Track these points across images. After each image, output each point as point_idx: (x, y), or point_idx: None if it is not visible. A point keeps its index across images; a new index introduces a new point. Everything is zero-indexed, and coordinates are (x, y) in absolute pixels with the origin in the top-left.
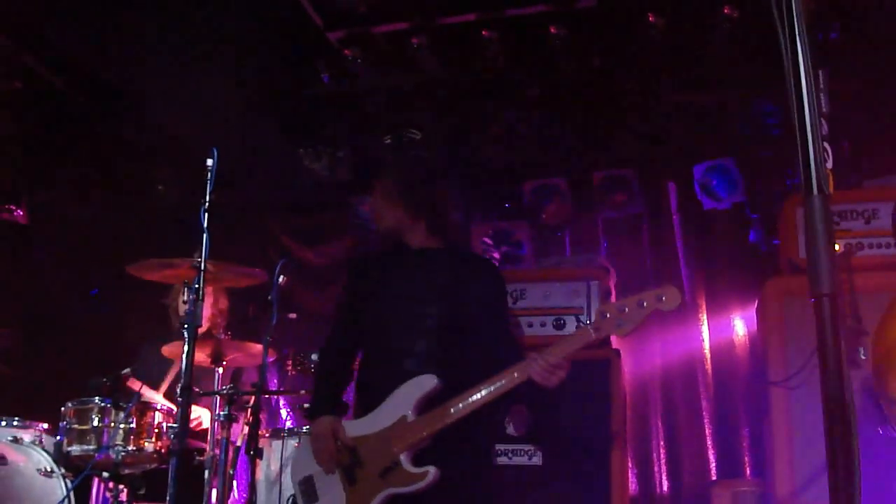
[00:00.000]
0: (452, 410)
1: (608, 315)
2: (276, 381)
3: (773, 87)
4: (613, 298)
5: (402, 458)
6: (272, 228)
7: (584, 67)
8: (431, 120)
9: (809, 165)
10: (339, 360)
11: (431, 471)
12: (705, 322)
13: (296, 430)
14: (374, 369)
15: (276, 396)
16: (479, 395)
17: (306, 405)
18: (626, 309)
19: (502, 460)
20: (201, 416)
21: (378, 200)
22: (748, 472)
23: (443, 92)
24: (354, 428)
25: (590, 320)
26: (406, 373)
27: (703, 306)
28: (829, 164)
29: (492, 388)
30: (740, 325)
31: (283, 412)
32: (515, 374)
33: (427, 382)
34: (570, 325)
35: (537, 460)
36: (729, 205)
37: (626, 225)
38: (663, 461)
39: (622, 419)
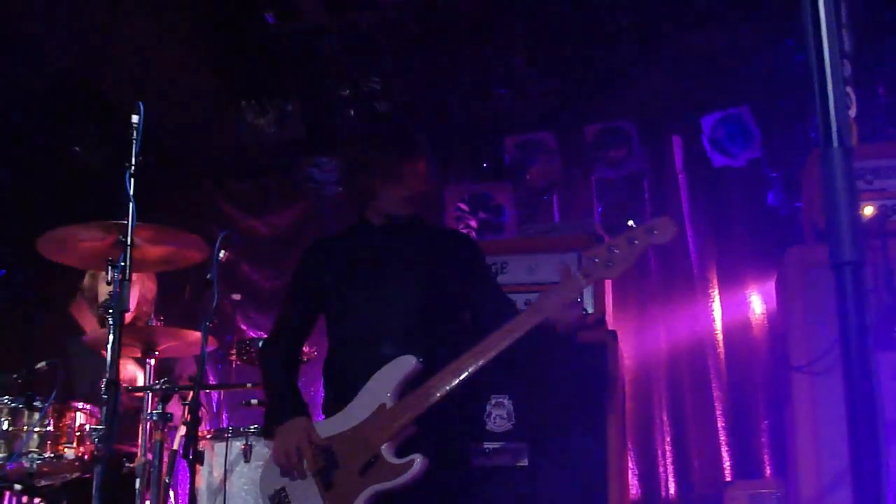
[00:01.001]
0: (441, 383)
1: (597, 259)
2: (217, 373)
3: (795, 20)
4: None
5: (384, 449)
6: (211, 195)
7: (575, 1)
8: (395, 66)
9: (828, 113)
10: (292, 352)
11: (418, 459)
12: (717, 299)
13: (242, 430)
14: (345, 360)
15: (218, 392)
16: (480, 357)
17: (254, 401)
18: (617, 249)
19: (480, 461)
20: (135, 374)
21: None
22: (768, 471)
23: (408, 32)
24: (327, 428)
25: (580, 299)
26: (382, 359)
27: (715, 280)
28: (853, 113)
29: (501, 341)
30: (757, 302)
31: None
32: (527, 318)
33: (405, 364)
34: None
35: (523, 460)
36: (744, 162)
37: (624, 186)
38: (669, 461)
39: (621, 413)
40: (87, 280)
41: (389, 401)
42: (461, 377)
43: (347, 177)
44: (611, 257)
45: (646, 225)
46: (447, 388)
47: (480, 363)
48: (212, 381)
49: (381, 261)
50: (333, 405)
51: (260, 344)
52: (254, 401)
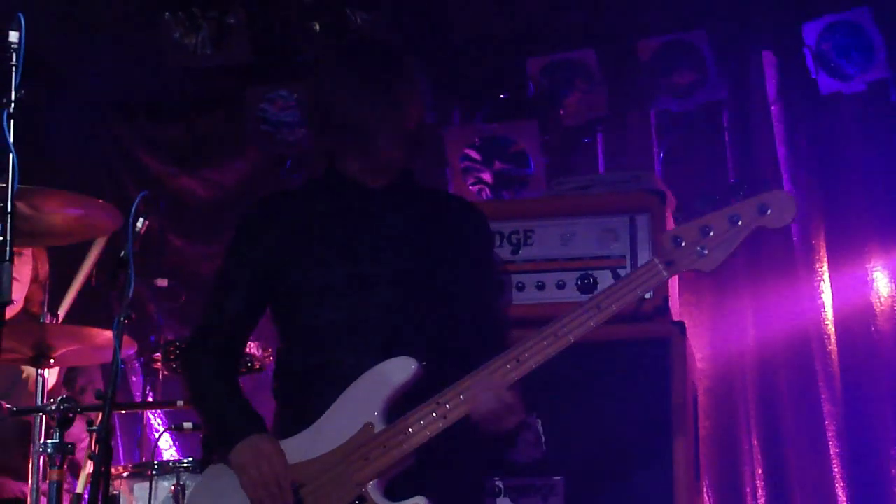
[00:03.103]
0: (449, 405)
1: (684, 242)
2: (137, 387)
3: None
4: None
5: (371, 489)
6: (124, 142)
7: None
8: None
9: None
10: (229, 354)
11: None
12: (826, 277)
13: (172, 464)
14: (309, 363)
15: (138, 412)
16: (519, 364)
17: (188, 424)
18: (712, 230)
19: (502, 502)
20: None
21: (308, 107)
22: None
23: None
24: (287, 452)
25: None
26: (364, 362)
27: (823, 251)
28: None
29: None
30: (883, 281)
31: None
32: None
33: (402, 369)
34: (606, 285)
35: (557, 500)
36: (863, 85)
37: (694, 123)
38: (761, 500)
39: (692, 435)
40: None
41: (378, 421)
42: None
43: (309, 120)
44: (703, 241)
45: (754, 199)
46: (469, 406)
47: (515, 373)
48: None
49: (361, 227)
50: (291, 420)
51: (183, 344)
52: (188, 424)
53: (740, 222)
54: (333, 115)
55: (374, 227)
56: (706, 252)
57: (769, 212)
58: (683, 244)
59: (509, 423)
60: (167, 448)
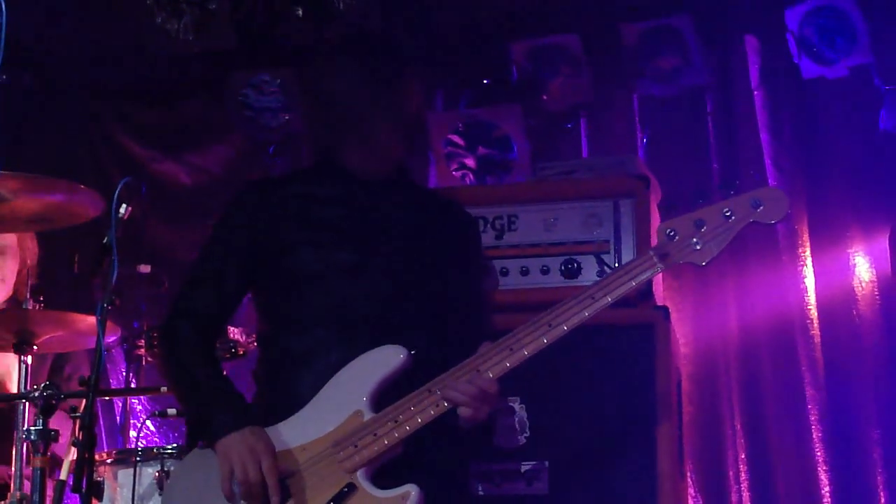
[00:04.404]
0: (440, 394)
1: (677, 235)
2: (121, 374)
3: None
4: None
5: (359, 477)
6: (106, 128)
7: None
8: None
9: None
10: (209, 336)
11: (413, 493)
12: (809, 262)
13: (156, 451)
14: (296, 349)
15: (121, 399)
16: (475, 374)
17: (172, 410)
18: (705, 224)
19: (486, 487)
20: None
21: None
22: (883, 499)
23: None
24: (274, 439)
25: (618, 263)
26: (353, 349)
27: (805, 237)
28: None
29: (490, 367)
30: (864, 266)
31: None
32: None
33: (391, 358)
34: (589, 270)
35: (541, 486)
36: (845, 70)
37: (677, 107)
38: (745, 486)
39: (675, 420)
40: None
41: (367, 409)
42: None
43: (303, 110)
44: (697, 235)
45: (748, 195)
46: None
47: (509, 364)
48: (113, 384)
49: (355, 219)
50: (278, 407)
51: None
52: (172, 410)
53: (733, 217)
54: (333, 107)
55: (368, 217)
56: (699, 246)
57: (762, 208)
58: (677, 238)
59: (483, 413)
60: (147, 435)
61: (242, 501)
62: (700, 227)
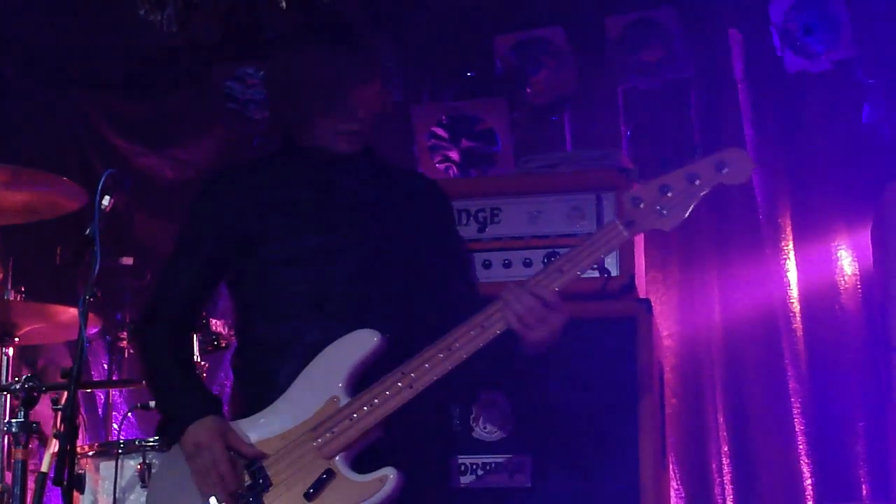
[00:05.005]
0: (414, 375)
1: (643, 202)
2: (103, 365)
3: None
4: None
5: (338, 462)
6: (90, 119)
7: None
8: None
9: None
10: (183, 329)
11: (391, 476)
12: (792, 255)
13: (138, 443)
14: (270, 337)
15: (103, 391)
16: (447, 353)
17: (153, 403)
18: (671, 190)
19: (468, 479)
20: None
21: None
22: (864, 491)
23: None
24: (250, 430)
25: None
26: (328, 334)
27: (789, 229)
28: None
29: (462, 346)
30: (847, 259)
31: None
32: (491, 321)
33: (363, 341)
34: None
35: (523, 478)
36: (828, 64)
37: (661, 101)
38: (728, 478)
39: (658, 413)
40: None
41: (343, 394)
42: (454, 360)
43: (271, 93)
44: (663, 201)
45: (711, 158)
46: (434, 375)
47: (479, 340)
48: (94, 376)
49: (325, 200)
50: (254, 397)
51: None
52: (153, 403)
53: (698, 181)
54: (304, 78)
55: (340, 197)
56: (665, 212)
57: (726, 170)
58: (643, 205)
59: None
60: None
61: (212, 487)
62: (666, 193)
